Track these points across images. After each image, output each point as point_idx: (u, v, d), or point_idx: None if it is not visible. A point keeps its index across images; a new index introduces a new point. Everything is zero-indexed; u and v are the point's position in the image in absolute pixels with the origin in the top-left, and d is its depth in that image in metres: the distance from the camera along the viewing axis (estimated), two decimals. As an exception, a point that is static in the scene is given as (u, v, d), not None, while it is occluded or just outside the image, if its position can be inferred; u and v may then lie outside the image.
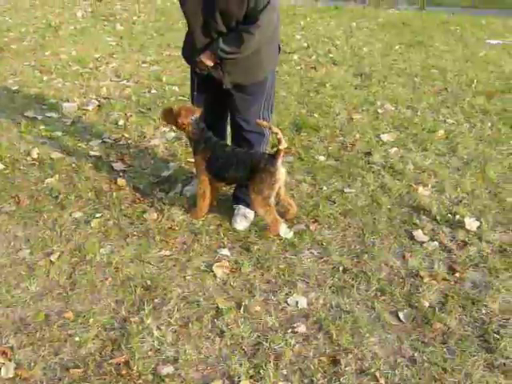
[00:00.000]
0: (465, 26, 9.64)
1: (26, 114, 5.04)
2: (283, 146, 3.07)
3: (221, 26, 2.93)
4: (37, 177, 3.93)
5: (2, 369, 2.33)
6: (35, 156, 4.22)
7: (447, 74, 6.54)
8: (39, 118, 4.98)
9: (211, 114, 3.38)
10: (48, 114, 5.07)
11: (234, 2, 2.81)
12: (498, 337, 2.52)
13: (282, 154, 3.09)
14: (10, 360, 2.38)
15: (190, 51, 3.23)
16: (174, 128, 4.55)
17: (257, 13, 2.82)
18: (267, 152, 3.32)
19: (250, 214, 3.41)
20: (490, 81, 6.36)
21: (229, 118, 3.46)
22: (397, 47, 7.83)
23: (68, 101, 5.41)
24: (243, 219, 3.37)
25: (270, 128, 3.13)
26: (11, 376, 2.30)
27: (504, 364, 2.39)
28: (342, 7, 10.93)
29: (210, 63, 3.03)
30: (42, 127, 4.77)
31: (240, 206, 3.43)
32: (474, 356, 2.43)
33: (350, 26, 9.22)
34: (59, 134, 4.64)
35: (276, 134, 3.07)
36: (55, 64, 6.65)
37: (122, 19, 9.43)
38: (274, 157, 3.10)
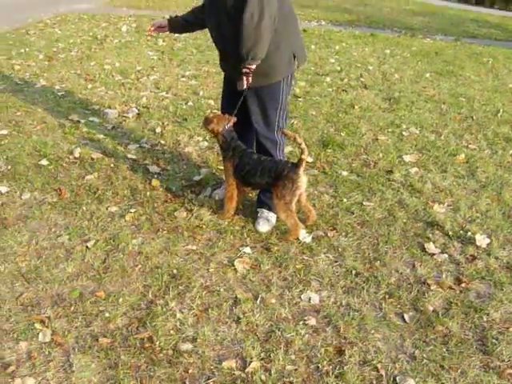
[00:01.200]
0: (497, 58, 9.80)
1: (70, 118, 5.38)
2: (306, 156, 3.31)
3: (227, 23, 3.15)
4: (78, 173, 4.23)
5: (40, 334, 2.60)
6: (77, 155, 4.53)
7: (474, 102, 6.73)
8: (82, 121, 5.32)
9: (237, 122, 3.58)
10: (91, 119, 5.40)
11: None
12: (496, 342, 2.70)
13: (303, 164, 3.32)
14: (47, 327, 2.64)
15: (222, 59, 3.56)
16: (208, 137, 4.87)
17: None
18: (290, 161, 3.56)
19: (273, 217, 3.65)
20: (516, 111, 6.52)
21: None
22: (427, 75, 8.04)
23: (110, 108, 5.74)
24: (266, 222, 3.61)
25: (294, 138, 3.37)
26: (48, 341, 2.57)
27: (499, 366, 2.57)
28: (378, 34, 11.18)
29: (252, 67, 3.17)
30: (84, 130, 5.11)
31: (263, 209, 3.67)
32: (471, 357, 2.61)
33: (384, 52, 9.47)
34: (100, 136, 4.97)
35: (300, 144, 3.31)
36: (99, 73, 7.03)
37: (164, 35, 9.83)
38: (296, 165, 3.34)
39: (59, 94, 6.15)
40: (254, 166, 3.47)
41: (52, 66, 7.34)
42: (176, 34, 9.94)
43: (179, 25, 3.73)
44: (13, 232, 3.41)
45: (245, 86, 3.26)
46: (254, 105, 3.46)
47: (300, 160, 3.31)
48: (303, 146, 3.29)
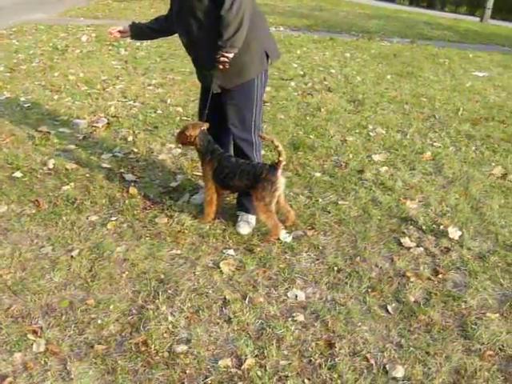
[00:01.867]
0: (453, 59, 10.15)
1: (39, 129, 5.34)
2: (283, 157, 3.41)
3: (197, 28, 3.25)
4: (54, 184, 4.22)
5: (34, 345, 2.61)
6: (51, 166, 4.52)
7: (435, 102, 6.97)
8: (52, 132, 5.29)
9: (213, 126, 3.64)
10: (60, 130, 5.38)
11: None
12: (475, 327, 2.85)
13: (281, 165, 3.42)
14: (40, 337, 2.66)
15: (195, 69, 3.66)
16: (183, 147, 4.92)
17: None
18: (268, 163, 3.65)
19: (252, 219, 3.73)
20: (475, 109, 6.80)
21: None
22: (388, 77, 8.27)
23: (79, 118, 5.73)
24: (246, 225, 3.68)
25: (272, 141, 3.46)
26: (42, 350, 2.58)
27: (480, 349, 2.71)
28: (336, 38, 11.41)
29: (230, 55, 3.21)
30: (55, 141, 5.09)
31: (243, 212, 3.75)
32: (454, 342, 2.74)
33: (344, 56, 9.69)
34: (72, 147, 4.95)
35: (277, 146, 3.40)
36: (64, 84, 6.98)
37: (125, 44, 9.82)
38: (274, 167, 3.43)
39: (25, 105, 6.09)
40: (233, 169, 3.54)
41: (14, 77, 7.25)
42: (138, 43, 10.00)
43: (142, 31, 3.79)
44: (-6, 245, 3.39)
45: (217, 90, 3.35)
46: (230, 107, 3.53)
47: (278, 162, 3.40)
48: (280, 148, 3.38)
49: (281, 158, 3.39)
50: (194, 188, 4.25)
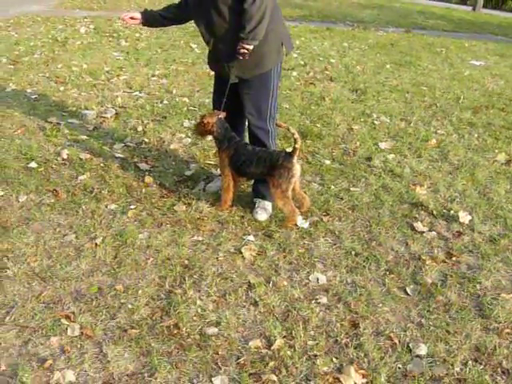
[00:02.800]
0: (449, 48, 10.26)
1: (49, 120, 5.39)
2: (299, 144, 3.50)
3: (218, 18, 3.33)
4: (70, 174, 4.28)
5: (69, 329, 2.69)
6: (65, 156, 4.57)
7: (436, 90, 7.09)
8: (62, 123, 5.34)
9: (230, 116, 3.73)
10: (70, 121, 5.43)
11: None
12: (492, 307, 2.96)
13: (297, 152, 3.51)
14: (73, 322, 2.74)
15: (211, 59, 3.73)
16: (190, 134, 4.99)
17: None
18: (284, 150, 3.73)
19: (269, 206, 3.82)
20: (475, 97, 6.92)
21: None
22: (388, 66, 8.37)
23: (87, 109, 5.78)
24: (263, 211, 3.78)
25: (288, 129, 3.55)
26: (77, 334, 2.66)
27: (497, 327, 2.83)
28: (333, 28, 11.49)
29: (250, 47, 3.30)
30: (66, 131, 5.14)
31: (260, 199, 3.84)
32: (472, 322, 2.86)
33: (343, 45, 9.77)
34: (84, 137, 5.01)
35: (293, 134, 3.49)
36: (69, 76, 7.02)
37: (125, 36, 9.84)
38: (290, 154, 3.52)
39: (32, 97, 6.13)
40: (249, 156, 3.62)
41: (18, 69, 7.27)
42: (137, 34, 10.02)
43: (154, 18, 3.81)
44: (17, 234, 3.45)
45: (235, 80, 3.43)
46: (247, 96, 3.63)
47: (294, 149, 3.49)
48: (296, 135, 3.47)
49: (296, 146, 3.48)
50: (208, 176, 4.33)
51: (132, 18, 3.81)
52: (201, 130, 3.75)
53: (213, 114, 3.69)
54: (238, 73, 3.52)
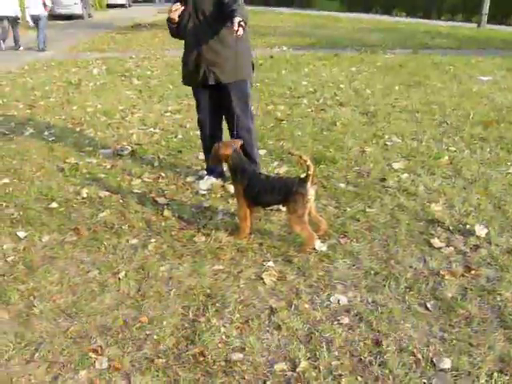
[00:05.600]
0: (457, 66, 10.35)
1: (67, 161, 5.55)
2: (312, 171, 3.57)
3: (203, 26, 4.15)
4: (90, 212, 4.39)
5: (97, 362, 2.75)
6: (85, 195, 4.70)
7: (446, 108, 7.15)
8: (80, 163, 5.49)
9: (211, 124, 4.63)
10: (88, 160, 5.58)
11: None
12: (513, 318, 2.97)
13: (311, 178, 3.58)
14: (101, 355, 2.80)
15: (189, 70, 4.39)
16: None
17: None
18: (297, 177, 3.80)
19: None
20: (485, 112, 6.97)
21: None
22: (396, 87, 8.47)
23: (103, 148, 5.93)
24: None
25: (300, 157, 3.62)
26: (105, 367, 2.72)
27: (521, 338, 2.83)
28: (341, 54, 11.66)
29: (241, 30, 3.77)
30: (84, 171, 5.28)
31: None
32: (495, 333, 2.87)
33: (351, 70, 9.91)
34: (102, 176, 5.15)
35: (305, 161, 3.57)
36: (84, 116, 7.23)
37: (136, 74, 10.09)
38: (304, 180, 3.59)
39: (50, 139, 6.31)
40: (264, 185, 3.71)
41: (35, 113, 7.50)
42: (148, 72, 10.26)
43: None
44: (42, 273, 3.54)
45: (241, 32, 3.77)
46: (237, 97, 4.33)
47: (307, 175, 3.56)
48: (308, 162, 3.55)
49: (309, 172, 3.55)
50: (225, 206, 4.41)
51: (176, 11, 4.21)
52: (217, 160, 3.86)
53: (228, 145, 3.79)
54: (217, 77, 4.24)
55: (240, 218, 3.86)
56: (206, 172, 4.94)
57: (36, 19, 15.13)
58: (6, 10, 14.95)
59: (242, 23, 3.72)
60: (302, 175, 3.64)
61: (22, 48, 15.49)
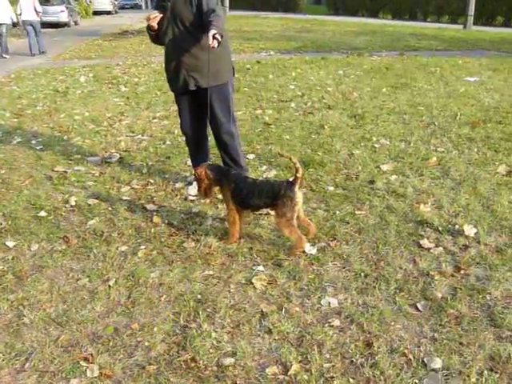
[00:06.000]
0: (443, 67, 10.43)
1: (55, 169, 5.52)
2: (300, 173, 3.58)
3: (182, 33, 4.15)
4: (79, 220, 4.38)
5: (88, 370, 2.73)
6: (73, 203, 4.67)
7: (433, 109, 7.20)
8: (68, 171, 5.47)
9: (195, 130, 4.56)
10: (76, 168, 5.56)
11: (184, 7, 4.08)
12: (503, 316, 2.99)
13: (299, 181, 3.60)
14: (92, 363, 2.78)
15: (172, 76, 4.39)
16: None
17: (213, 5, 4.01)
18: (285, 180, 3.80)
19: None
20: (472, 113, 7.03)
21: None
22: (384, 89, 8.51)
23: (92, 155, 5.91)
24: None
25: (290, 158, 3.64)
26: (96, 375, 2.70)
27: (510, 336, 2.85)
28: (328, 57, 11.71)
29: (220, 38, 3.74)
30: (73, 179, 5.26)
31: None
32: (485, 332, 2.88)
33: (338, 73, 9.95)
34: (90, 183, 5.13)
35: (295, 163, 3.58)
36: (72, 124, 7.20)
37: (124, 81, 10.08)
38: (292, 183, 3.60)
39: (37, 148, 6.28)
40: (251, 188, 3.71)
41: (22, 122, 7.47)
42: (135, 79, 10.24)
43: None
44: (31, 282, 3.52)
45: (215, 45, 3.73)
46: (218, 101, 4.31)
47: (295, 178, 3.57)
48: (298, 165, 3.56)
49: (298, 175, 3.56)
50: (215, 211, 4.40)
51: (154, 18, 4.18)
52: (202, 186, 3.87)
53: (200, 166, 3.91)
54: (197, 82, 4.24)
55: (229, 223, 3.86)
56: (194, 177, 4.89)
57: (28, 25, 15.40)
58: (3, 17, 15.20)
59: (217, 36, 3.67)
60: (291, 178, 3.65)
61: (8, 56, 15.54)
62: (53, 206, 4.64)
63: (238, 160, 4.58)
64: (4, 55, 15.55)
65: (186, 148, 5.91)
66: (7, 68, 12.81)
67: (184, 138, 4.91)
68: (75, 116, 7.64)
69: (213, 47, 3.70)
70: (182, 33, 4.16)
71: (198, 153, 4.74)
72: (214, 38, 3.66)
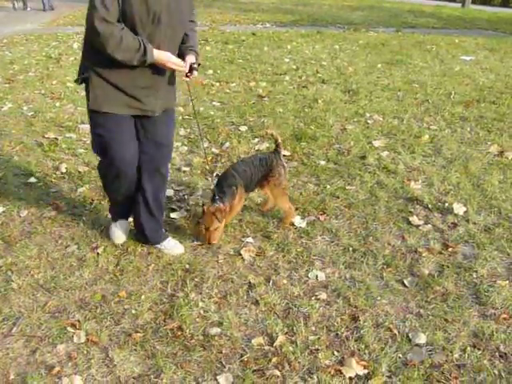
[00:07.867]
0: (440, 45, 10.36)
1: (46, 136, 5.46)
2: (279, 140, 3.64)
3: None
4: (69, 187, 4.35)
5: (75, 336, 2.74)
6: (64, 170, 4.64)
7: (427, 87, 7.17)
8: (59, 138, 5.41)
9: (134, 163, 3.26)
10: (67, 135, 5.50)
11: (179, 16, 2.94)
12: (488, 294, 3.02)
13: (281, 147, 3.66)
14: (79, 329, 2.79)
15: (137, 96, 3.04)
16: (186, 142, 5.04)
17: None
18: (270, 151, 3.76)
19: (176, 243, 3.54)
20: (466, 92, 7.00)
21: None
22: (379, 65, 8.45)
23: (83, 123, 5.85)
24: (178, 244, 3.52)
25: (266, 132, 3.65)
26: (83, 341, 2.71)
27: (494, 313, 2.88)
28: (324, 31, 11.59)
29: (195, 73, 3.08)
30: (64, 146, 5.20)
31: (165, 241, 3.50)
32: (470, 309, 2.92)
33: (334, 48, 9.86)
34: (81, 151, 5.08)
35: (272, 134, 3.66)
36: (64, 91, 7.10)
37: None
38: (278, 152, 3.61)
39: (29, 114, 6.20)
40: (251, 168, 3.58)
41: (14, 87, 7.36)
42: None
43: None
44: (20, 248, 3.51)
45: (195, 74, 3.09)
46: (170, 124, 3.34)
47: (278, 145, 3.60)
48: (274, 133, 3.67)
49: (279, 141, 3.61)
50: (205, 183, 4.39)
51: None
52: (195, 229, 3.63)
53: (205, 207, 3.42)
54: (164, 104, 3.16)
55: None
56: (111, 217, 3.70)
57: None
58: None
59: (194, 66, 3.01)
60: (274, 148, 3.66)
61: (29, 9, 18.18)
62: (43, 173, 4.61)
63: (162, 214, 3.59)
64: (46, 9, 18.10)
65: (179, 118, 5.89)
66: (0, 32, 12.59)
67: (113, 177, 3.40)
68: (67, 83, 7.52)
69: (187, 78, 3.06)
70: (175, 36, 3.01)
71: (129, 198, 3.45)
72: (191, 68, 3.01)
